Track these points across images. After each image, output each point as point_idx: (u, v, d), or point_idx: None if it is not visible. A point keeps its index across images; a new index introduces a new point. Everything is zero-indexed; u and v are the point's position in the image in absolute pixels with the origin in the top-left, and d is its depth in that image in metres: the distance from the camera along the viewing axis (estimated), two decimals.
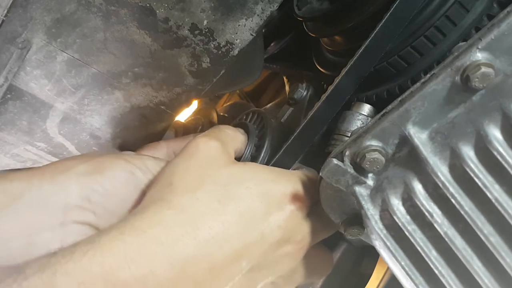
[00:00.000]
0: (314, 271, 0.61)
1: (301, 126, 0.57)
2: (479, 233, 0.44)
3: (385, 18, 0.52)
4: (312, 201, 0.56)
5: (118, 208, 0.54)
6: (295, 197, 0.54)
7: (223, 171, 0.52)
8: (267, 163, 0.60)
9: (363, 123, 0.58)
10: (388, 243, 0.49)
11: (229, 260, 0.49)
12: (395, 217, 0.48)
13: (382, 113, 0.47)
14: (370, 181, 0.49)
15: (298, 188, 0.55)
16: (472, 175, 0.44)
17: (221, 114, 0.87)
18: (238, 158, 0.63)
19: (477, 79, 0.41)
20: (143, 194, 0.55)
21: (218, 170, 0.52)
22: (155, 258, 0.44)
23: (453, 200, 0.45)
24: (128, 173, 0.55)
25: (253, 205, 0.51)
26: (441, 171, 0.45)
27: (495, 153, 0.42)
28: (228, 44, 0.57)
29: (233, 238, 0.49)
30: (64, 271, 0.40)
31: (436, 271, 0.47)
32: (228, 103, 1.03)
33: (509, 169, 0.42)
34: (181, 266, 0.45)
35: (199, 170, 0.51)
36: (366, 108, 0.59)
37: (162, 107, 0.62)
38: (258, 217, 0.51)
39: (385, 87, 0.59)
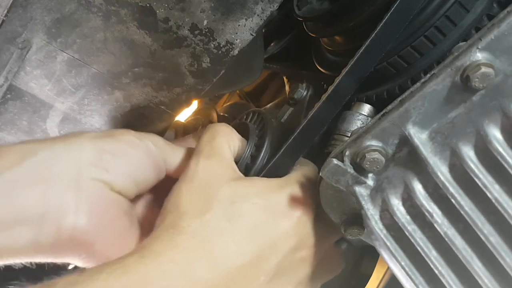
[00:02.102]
0: (328, 270, 0.61)
1: (301, 126, 0.57)
2: (479, 233, 0.44)
3: (386, 18, 0.52)
4: (316, 202, 0.56)
5: (130, 168, 0.55)
6: (299, 202, 0.55)
7: (227, 189, 0.52)
8: (267, 163, 0.60)
9: (363, 123, 0.58)
10: (388, 243, 0.49)
11: (246, 276, 0.50)
12: (395, 217, 0.48)
13: (382, 113, 0.46)
14: (370, 181, 0.49)
15: (300, 193, 0.55)
16: (472, 175, 0.44)
17: (221, 114, 0.87)
18: (238, 158, 0.63)
19: (477, 79, 0.41)
20: (156, 165, 0.57)
21: (221, 189, 0.52)
22: (173, 280, 0.46)
23: (453, 200, 0.45)
24: (138, 139, 0.56)
25: (261, 219, 0.52)
26: (441, 171, 0.45)
27: (495, 153, 0.42)
28: (228, 44, 0.57)
29: (247, 255, 0.50)
30: None
31: (436, 271, 0.47)
32: (228, 103, 1.03)
33: (509, 169, 0.42)
34: (199, 286, 0.47)
35: (203, 193, 0.52)
36: (366, 108, 0.59)
37: (162, 107, 0.62)
38: (268, 229, 0.52)
39: (385, 87, 0.59)
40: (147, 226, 0.59)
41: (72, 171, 0.52)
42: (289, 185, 0.56)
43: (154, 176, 0.57)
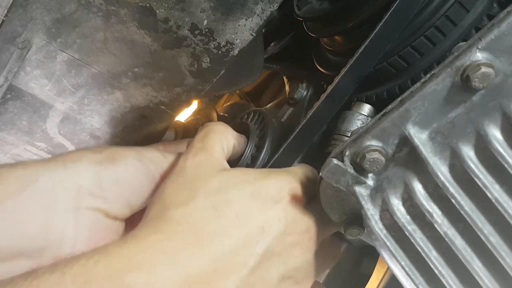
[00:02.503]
0: (328, 258, 0.61)
1: (300, 126, 0.57)
2: (479, 233, 0.44)
3: (385, 18, 0.52)
4: (308, 196, 0.56)
5: (128, 194, 0.55)
6: (287, 190, 0.55)
7: (213, 180, 0.53)
8: (267, 163, 0.60)
9: (363, 123, 0.58)
10: (388, 243, 0.49)
11: (234, 261, 0.49)
12: (395, 217, 0.48)
13: (382, 113, 0.47)
14: (370, 181, 0.49)
15: (289, 181, 0.55)
16: (472, 175, 0.44)
17: (221, 114, 0.87)
18: (239, 158, 0.63)
19: (477, 79, 0.41)
20: (153, 182, 0.57)
21: (208, 180, 0.52)
22: (157, 263, 0.45)
23: (453, 200, 0.45)
24: (138, 162, 0.56)
25: (248, 204, 0.52)
26: (441, 171, 0.45)
27: (495, 153, 0.42)
28: (228, 44, 0.57)
29: (234, 239, 0.49)
30: (72, 272, 0.42)
31: (436, 271, 0.47)
32: (228, 103, 1.03)
33: (509, 169, 0.42)
34: (184, 271, 0.46)
35: (189, 185, 0.52)
36: (366, 108, 0.59)
37: (162, 107, 0.62)
38: (254, 214, 0.52)
39: (385, 87, 0.59)
40: None
41: (72, 200, 0.52)
42: (277, 174, 0.56)
43: (150, 194, 0.58)
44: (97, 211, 0.53)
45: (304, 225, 0.55)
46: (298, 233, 0.55)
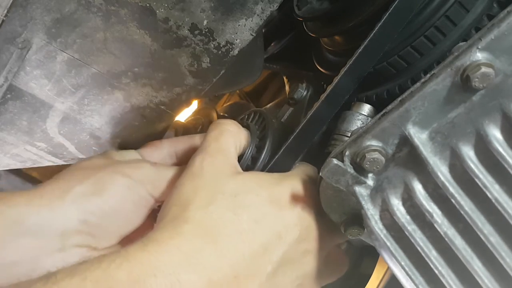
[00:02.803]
0: (333, 271, 0.61)
1: (300, 126, 0.57)
2: (479, 233, 0.44)
3: (385, 18, 0.52)
4: (316, 200, 0.56)
5: (116, 227, 0.55)
6: (302, 196, 0.55)
7: (230, 183, 0.53)
8: (267, 164, 0.60)
9: (363, 123, 0.58)
10: (388, 243, 0.49)
11: (254, 267, 0.49)
12: (395, 217, 0.48)
13: (382, 113, 0.47)
14: (370, 181, 0.49)
15: (301, 188, 0.56)
16: (472, 175, 0.44)
17: (221, 114, 0.87)
18: (239, 158, 0.62)
19: (477, 79, 0.41)
20: (145, 206, 0.56)
21: (225, 184, 0.52)
22: (179, 267, 0.44)
23: (453, 200, 0.45)
24: (127, 189, 0.55)
25: (266, 210, 0.52)
26: (441, 171, 0.45)
27: (495, 153, 0.42)
28: (228, 44, 0.57)
29: (253, 245, 0.50)
30: (93, 277, 0.41)
31: (436, 271, 0.47)
32: (228, 103, 1.03)
33: (509, 169, 0.42)
34: (207, 275, 0.45)
35: (206, 187, 0.52)
36: (366, 108, 0.59)
37: (162, 107, 0.62)
38: (272, 220, 0.52)
39: (385, 87, 0.59)
40: None
41: (58, 241, 0.52)
42: (291, 179, 0.56)
43: (141, 217, 0.57)
44: (85, 247, 0.53)
45: (317, 232, 0.55)
46: (311, 239, 0.55)
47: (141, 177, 0.57)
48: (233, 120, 0.62)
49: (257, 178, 0.55)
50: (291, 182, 0.55)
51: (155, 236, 0.46)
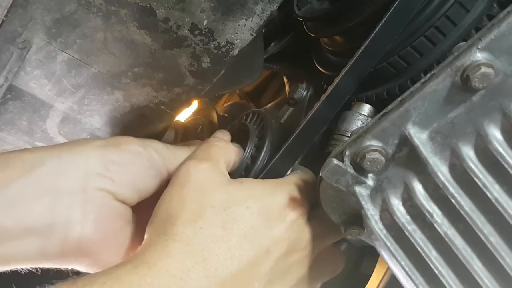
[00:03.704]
0: (326, 271, 0.61)
1: (300, 126, 0.57)
2: (479, 233, 0.44)
3: (385, 18, 0.52)
4: (310, 204, 0.56)
5: (135, 179, 0.55)
6: (293, 205, 0.55)
7: (220, 194, 0.52)
8: (266, 164, 0.60)
9: (363, 123, 0.58)
10: (388, 243, 0.49)
11: (241, 283, 0.50)
12: (395, 217, 0.48)
13: (382, 113, 0.47)
14: (370, 181, 0.49)
15: (295, 194, 0.56)
16: (472, 175, 0.44)
17: (221, 114, 0.87)
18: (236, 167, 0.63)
19: (477, 79, 0.41)
20: (158, 170, 0.57)
21: (215, 194, 0.52)
22: None
23: (453, 200, 0.45)
24: (142, 147, 0.57)
25: (255, 223, 0.52)
26: (441, 171, 0.45)
27: (495, 153, 0.42)
28: (228, 44, 0.57)
29: (241, 261, 0.50)
30: None
31: (436, 271, 0.47)
32: (228, 103, 1.03)
33: (509, 169, 0.42)
34: None
35: (195, 197, 0.52)
36: (366, 108, 0.59)
37: (162, 107, 0.62)
38: (261, 234, 0.52)
39: (385, 87, 0.59)
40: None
41: (78, 181, 0.52)
42: (284, 187, 0.56)
43: (156, 183, 0.58)
44: (105, 192, 0.53)
45: (304, 242, 0.55)
46: (298, 250, 0.55)
47: (153, 147, 0.58)
48: (221, 138, 0.62)
49: (249, 189, 0.54)
50: (284, 191, 0.55)
51: (145, 257, 0.47)
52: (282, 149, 0.58)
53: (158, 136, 0.67)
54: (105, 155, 0.54)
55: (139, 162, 0.56)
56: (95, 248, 0.53)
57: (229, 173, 0.60)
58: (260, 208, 0.53)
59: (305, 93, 0.71)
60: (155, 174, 0.57)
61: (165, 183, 0.58)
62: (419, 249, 0.47)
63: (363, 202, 0.49)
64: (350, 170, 0.48)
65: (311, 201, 0.56)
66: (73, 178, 0.52)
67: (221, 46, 0.57)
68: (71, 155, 0.53)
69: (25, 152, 0.53)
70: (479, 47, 0.42)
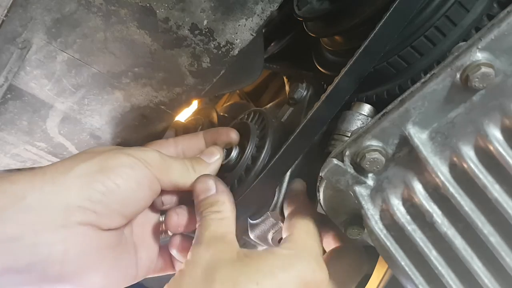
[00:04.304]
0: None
1: (300, 126, 0.57)
2: (479, 233, 0.44)
3: (385, 18, 0.52)
4: (328, 262, 0.54)
5: (119, 205, 0.54)
6: (308, 284, 0.51)
7: (229, 270, 0.50)
8: (267, 163, 0.60)
9: (363, 123, 0.58)
10: (388, 243, 0.49)
11: None
12: (395, 217, 0.48)
13: (382, 113, 0.47)
14: (370, 181, 0.49)
15: (308, 272, 0.52)
16: (472, 175, 0.44)
17: (221, 114, 0.87)
18: (239, 159, 0.63)
19: (477, 79, 0.41)
20: (149, 188, 0.56)
21: (224, 270, 0.49)
22: None
23: (453, 200, 0.45)
24: (130, 168, 0.55)
25: None
26: (441, 171, 0.45)
27: (495, 153, 0.42)
28: (228, 44, 0.57)
29: None
30: None
31: (436, 271, 0.47)
32: (228, 103, 1.03)
33: (509, 169, 0.42)
34: None
35: (205, 275, 0.49)
36: (366, 108, 0.59)
37: (162, 107, 0.62)
38: None
39: (385, 87, 0.59)
40: (142, 243, 0.60)
41: (60, 216, 0.51)
42: (297, 262, 0.52)
43: (146, 200, 0.57)
44: (88, 225, 0.52)
45: None
46: None
47: (145, 158, 0.56)
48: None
49: (258, 264, 0.50)
50: (297, 268, 0.51)
51: None
52: (282, 149, 0.58)
53: (158, 136, 0.67)
54: (89, 184, 0.53)
55: (126, 187, 0.54)
56: (78, 278, 0.52)
57: (227, 174, 0.60)
58: (273, 286, 0.49)
59: (305, 93, 0.71)
60: (144, 194, 0.56)
61: (157, 195, 0.58)
62: (419, 249, 0.47)
63: (363, 202, 0.49)
64: (350, 170, 0.48)
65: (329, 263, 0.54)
66: (54, 213, 0.51)
67: (221, 46, 0.57)
68: (53, 186, 0.52)
69: (4, 183, 0.51)
70: (479, 47, 0.42)
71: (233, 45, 0.57)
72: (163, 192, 0.59)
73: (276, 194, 0.63)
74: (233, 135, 0.65)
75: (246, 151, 0.62)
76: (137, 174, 0.55)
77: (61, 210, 0.51)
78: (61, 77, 0.58)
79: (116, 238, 0.56)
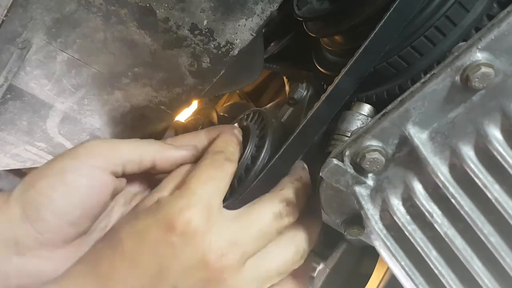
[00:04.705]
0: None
1: (300, 126, 0.57)
2: (479, 233, 0.44)
3: (385, 18, 0.52)
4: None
5: (57, 213, 0.51)
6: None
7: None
8: (267, 163, 0.60)
9: (363, 123, 0.58)
10: (388, 243, 0.49)
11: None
12: (395, 217, 0.48)
13: (382, 113, 0.47)
14: (370, 181, 0.49)
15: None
16: (472, 175, 0.44)
17: (221, 114, 0.87)
18: (239, 159, 0.62)
19: (477, 79, 0.41)
20: (97, 187, 0.52)
21: None
22: None
23: (453, 200, 0.45)
24: (71, 172, 0.51)
25: None
26: (441, 171, 0.45)
27: (495, 153, 0.42)
28: (228, 44, 0.57)
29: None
30: None
31: (436, 271, 0.47)
32: (228, 103, 1.03)
33: (509, 169, 0.42)
34: None
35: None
36: (366, 108, 0.59)
37: (162, 107, 0.62)
38: None
39: (385, 87, 0.59)
40: None
41: (13, 246, 0.51)
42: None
43: (101, 201, 0.53)
44: (33, 237, 0.51)
45: None
46: None
47: (84, 154, 0.52)
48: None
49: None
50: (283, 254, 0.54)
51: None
52: (282, 149, 0.58)
53: (158, 136, 0.67)
54: (24, 200, 0.51)
55: (60, 195, 0.51)
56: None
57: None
58: None
59: (305, 93, 0.71)
60: (96, 191, 0.52)
61: (113, 186, 0.54)
62: (419, 249, 0.47)
63: (363, 202, 0.49)
64: (350, 170, 0.48)
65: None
66: (6, 245, 0.51)
67: (221, 46, 0.57)
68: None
69: None
70: (479, 47, 0.42)
71: (233, 45, 0.57)
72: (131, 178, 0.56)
73: None
74: (237, 133, 0.64)
75: (246, 151, 0.62)
76: (77, 179, 0.52)
77: (12, 238, 0.51)
78: (61, 77, 0.58)
79: (72, 245, 0.53)
